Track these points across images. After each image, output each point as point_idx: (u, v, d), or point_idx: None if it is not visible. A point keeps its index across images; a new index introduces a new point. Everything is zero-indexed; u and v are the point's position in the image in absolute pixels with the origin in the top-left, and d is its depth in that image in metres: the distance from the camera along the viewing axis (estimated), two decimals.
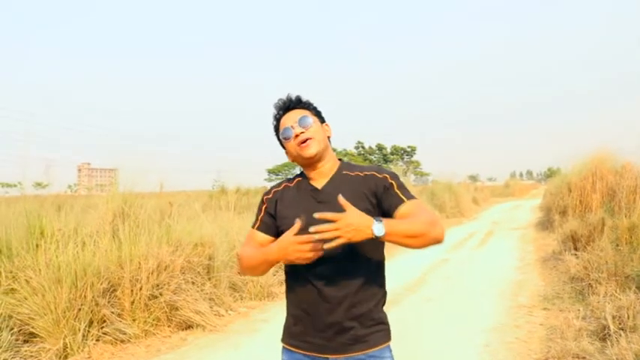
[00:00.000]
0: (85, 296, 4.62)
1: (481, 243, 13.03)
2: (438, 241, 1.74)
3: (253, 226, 2.03)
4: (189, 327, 5.37)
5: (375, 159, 63.56)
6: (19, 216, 5.59)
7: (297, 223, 1.74)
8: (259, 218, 2.02)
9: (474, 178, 79.80)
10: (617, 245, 6.75)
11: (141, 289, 5.04)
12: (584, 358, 4.02)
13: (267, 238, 1.98)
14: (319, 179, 1.95)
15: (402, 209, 1.82)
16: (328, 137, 2.00)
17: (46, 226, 5.20)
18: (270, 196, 2.02)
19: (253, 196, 18.77)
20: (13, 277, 4.86)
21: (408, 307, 6.34)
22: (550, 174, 63.36)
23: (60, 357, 4.40)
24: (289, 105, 1.97)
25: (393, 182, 1.88)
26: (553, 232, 11.80)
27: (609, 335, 4.21)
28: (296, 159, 1.96)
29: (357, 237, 1.61)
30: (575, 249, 7.93)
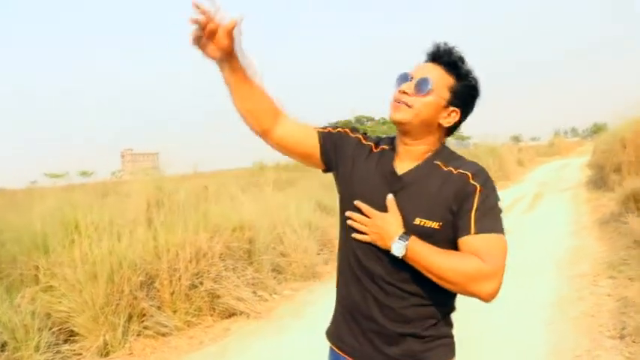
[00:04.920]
0: (122, 290, 4.47)
1: (530, 207, 12.43)
2: (479, 298, 1.39)
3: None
4: (232, 315, 5.18)
5: None
6: (55, 210, 5.48)
7: None
8: (329, 130, 1.66)
9: (516, 139, 77.63)
10: None
11: (180, 278, 4.86)
12: None
13: (312, 143, 1.63)
14: (405, 160, 1.55)
15: (464, 242, 1.42)
16: (440, 124, 1.52)
17: (80, 220, 5.05)
18: (360, 137, 1.67)
19: (292, 170, 18.36)
20: (51, 273, 4.75)
21: None
22: (596, 130, 60.95)
23: (101, 354, 4.27)
24: (437, 56, 1.51)
25: (476, 198, 1.43)
26: (608, 191, 11.17)
27: None
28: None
29: (380, 244, 1.45)
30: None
